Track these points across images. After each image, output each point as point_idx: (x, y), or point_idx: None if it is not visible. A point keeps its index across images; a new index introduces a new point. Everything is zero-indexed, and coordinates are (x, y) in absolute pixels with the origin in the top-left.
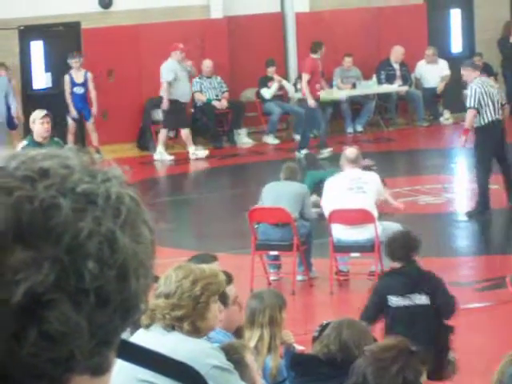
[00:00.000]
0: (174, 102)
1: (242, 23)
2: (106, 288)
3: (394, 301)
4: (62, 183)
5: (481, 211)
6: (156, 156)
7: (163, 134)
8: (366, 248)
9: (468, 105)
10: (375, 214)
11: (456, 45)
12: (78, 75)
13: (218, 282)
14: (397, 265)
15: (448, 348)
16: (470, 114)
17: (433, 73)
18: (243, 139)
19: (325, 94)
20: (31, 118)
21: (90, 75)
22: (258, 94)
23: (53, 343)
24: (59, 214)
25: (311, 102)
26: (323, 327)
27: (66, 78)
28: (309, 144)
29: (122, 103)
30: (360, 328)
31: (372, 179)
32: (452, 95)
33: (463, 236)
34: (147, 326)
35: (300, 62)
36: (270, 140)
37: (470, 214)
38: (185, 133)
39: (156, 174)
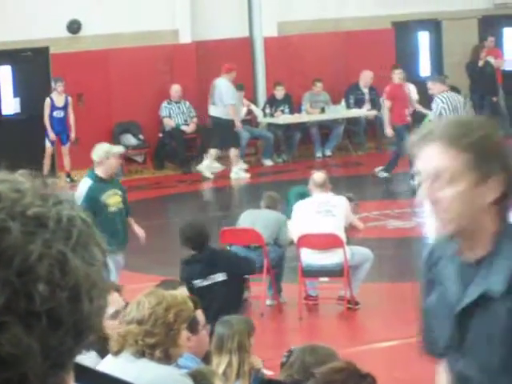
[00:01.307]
0: (231, 123)
1: (211, 48)
2: (57, 310)
3: (198, 283)
4: (12, 207)
5: None
6: (232, 175)
7: (234, 153)
8: (335, 272)
9: (431, 119)
10: (344, 238)
11: (424, 68)
12: (59, 99)
13: (188, 309)
14: (194, 252)
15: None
16: None
17: None
18: (212, 164)
19: (293, 119)
20: (103, 152)
21: (70, 99)
22: None
23: (5, 366)
24: (9, 237)
25: (388, 131)
26: (291, 352)
27: (47, 100)
28: (392, 169)
29: (91, 128)
30: (323, 353)
31: (340, 203)
32: (421, 119)
33: None
34: (117, 353)
35: (269, 87)
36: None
37: None
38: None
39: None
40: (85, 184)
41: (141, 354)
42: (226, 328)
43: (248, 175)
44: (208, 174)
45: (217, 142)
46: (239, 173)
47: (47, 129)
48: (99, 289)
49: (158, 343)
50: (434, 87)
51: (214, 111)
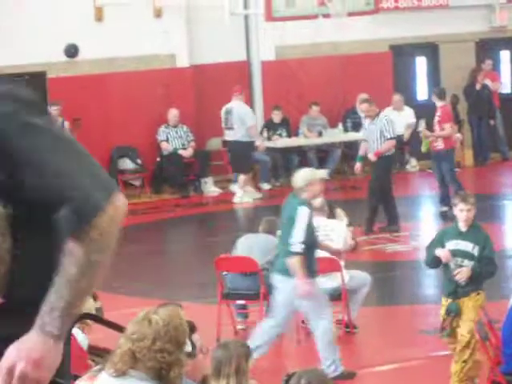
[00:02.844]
0: (250, 144)
1: (208, 72)
2: None
3: None
4: None
5: (391, 226)
6: (236, 200)
7: (243, 179)
8: (333, 296)
9: (391, 135)
10: (342, 262)
11: (422, 92)
12: None
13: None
14: None
15: None
16: (391, 144)
17: (399, 120)
18: (210, 188)
19: (290, 142)
20: (306, 178)
21: (66, 123)
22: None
23: None
24: None
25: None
26: (290, 377)
27: None
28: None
29: (88, 152)
30: (318, 374)
31: (339, 227)
32: (418, 143)
33: (430, 283)
34: (124, 373)
35: (266, 111)
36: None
37: (383, 229)
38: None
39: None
40: (304, 211)
41: (154, 372)
42: (223, 352)
43: (251, 199)
44: (247, 198)
45: (244, 168)
46: (244, 197)
47: None
48: None
49: (173, 362)
50: (371, 109)
51: (230, 136)
